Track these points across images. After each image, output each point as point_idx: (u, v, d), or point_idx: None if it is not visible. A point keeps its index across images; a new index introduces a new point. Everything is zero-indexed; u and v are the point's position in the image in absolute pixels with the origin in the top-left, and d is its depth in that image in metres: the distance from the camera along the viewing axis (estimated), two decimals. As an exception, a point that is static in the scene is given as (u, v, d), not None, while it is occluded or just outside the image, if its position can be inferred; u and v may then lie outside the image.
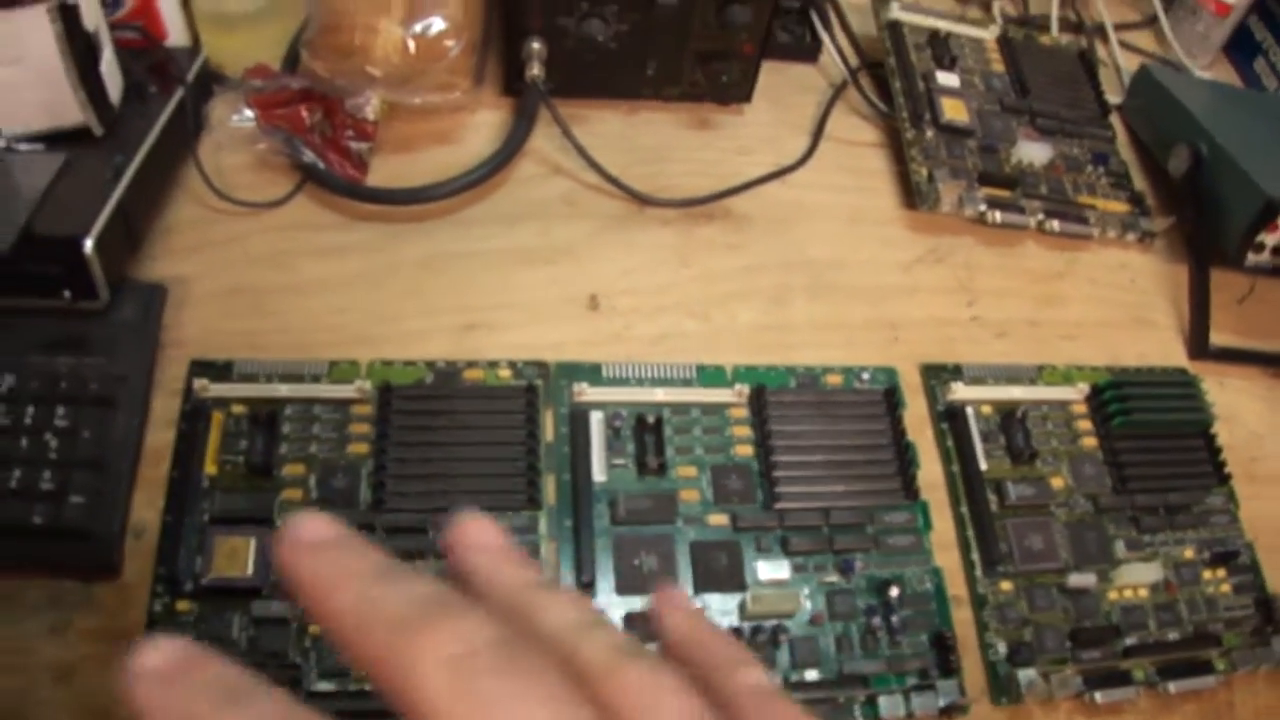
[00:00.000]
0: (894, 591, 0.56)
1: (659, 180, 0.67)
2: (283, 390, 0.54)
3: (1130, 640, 0.59)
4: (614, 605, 0.53)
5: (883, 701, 0.53)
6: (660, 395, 0.59)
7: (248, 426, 0.53)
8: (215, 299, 0.57)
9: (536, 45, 0.64)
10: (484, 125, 0.67)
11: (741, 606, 0.54)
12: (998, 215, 0.69)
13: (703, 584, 0.55)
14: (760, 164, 0.68)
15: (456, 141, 0.67)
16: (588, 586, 0.53)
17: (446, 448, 0.54)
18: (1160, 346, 0.70)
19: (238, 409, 0.54)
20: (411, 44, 0.61)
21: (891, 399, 0.61)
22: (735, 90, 0.69)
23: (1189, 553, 0.62)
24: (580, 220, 0.65)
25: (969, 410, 0.62)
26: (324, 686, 0.48)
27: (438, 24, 0.62)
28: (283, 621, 0.49)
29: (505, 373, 0.58)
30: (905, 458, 0.60)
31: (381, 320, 0.59)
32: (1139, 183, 0.77)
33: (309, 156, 0.62)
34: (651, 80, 0.68)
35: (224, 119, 0.63)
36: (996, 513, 0.60)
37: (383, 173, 0.64)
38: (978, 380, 0.64)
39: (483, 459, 0.55)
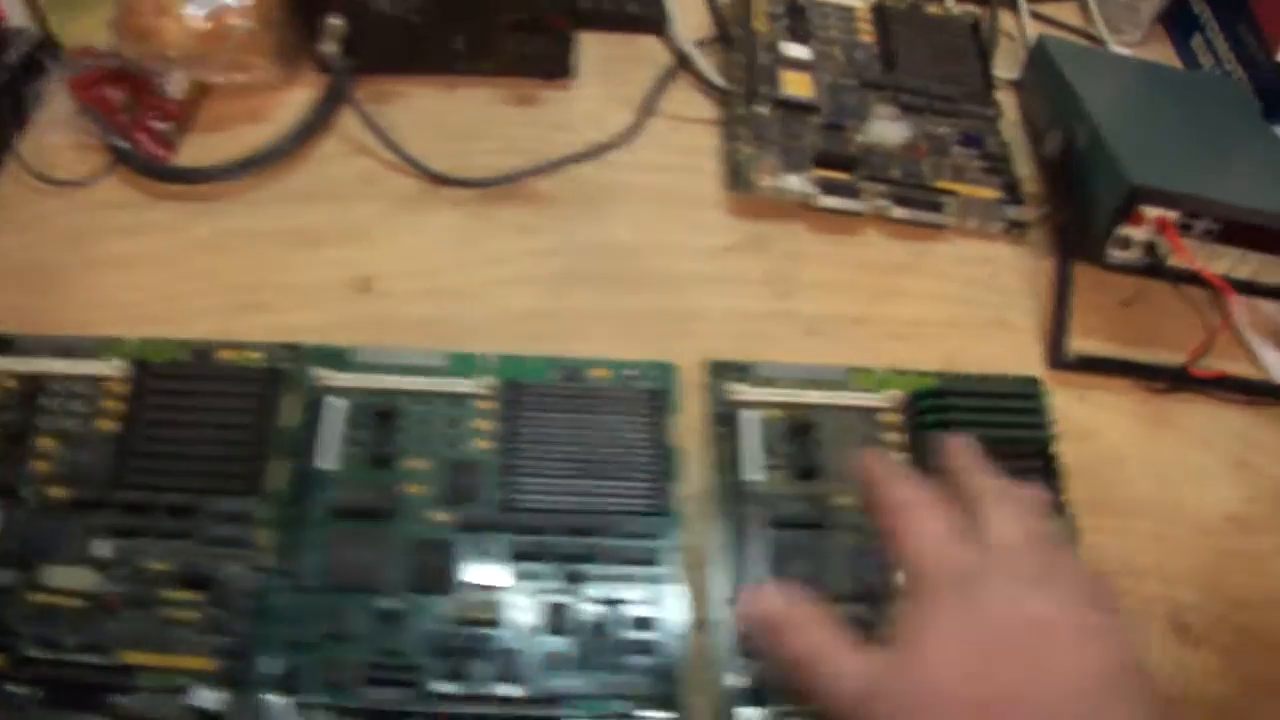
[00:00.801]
0: (621, 610, 0.50)
1: (465, 159, 0.63)
2: (50, 366, 0.54)
3: None
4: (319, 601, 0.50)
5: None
6: (405, 383, 0.55)
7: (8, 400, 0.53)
8: (10, 275, 0.58)
9: (334, 21, 0.62)
10: (298, 104, 0.65)
11: (445, 611, 0.50)
12: (826, 200, 0.62)
13: (414, 583, 0.50)
14: (579, 142, 0.63)
15: (268, 120, 0.64)
16: (292, 576, 0.50)
17: (188, 428, 0.53)
18: (1013, 351, 0.62)
19: (9, 383, 0.54)
20: (202, 24, 0.61)
21: (658, 399, 0.55)
22: (552, 65, 0.64)
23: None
24: (373, 201, 0.62)
25: (744, 415, 0.56)
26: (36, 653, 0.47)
27: (228, 3, 0.61)
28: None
29: (256, 355, 0.56)
30: (663, 465, 0.54)
31: (165, 299, 0.58)
32: (1024, 168, 0.68)
33: (115, 137, 0.62)
34: (463, 55, 0.64)
35: (54, 99, 0.64)
36: (756, 531, 0.53)
37: (195, 152, 0.63)
38: (767, 381, 0.57)
39: (215, 441, 0.52)
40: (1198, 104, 0.69)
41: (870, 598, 0.53)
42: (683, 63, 0.67)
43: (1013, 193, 0.65)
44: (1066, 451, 0.58)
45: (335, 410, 0.54)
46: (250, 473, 0.51)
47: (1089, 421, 0.60)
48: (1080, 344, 0.62)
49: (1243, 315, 0.66)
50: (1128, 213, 0.57)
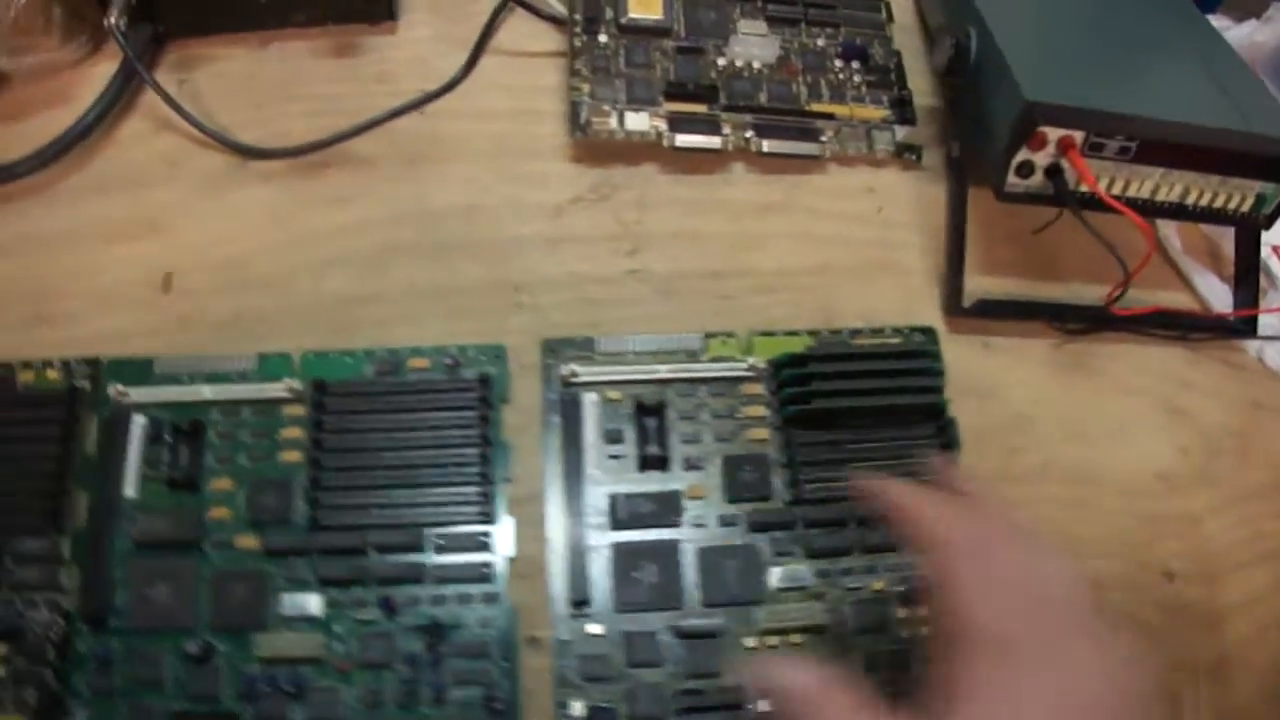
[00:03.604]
0: (436, 640, 0.45)
1: (277, 125, 0.55)
2: None
3: (764, 705, 0.45)
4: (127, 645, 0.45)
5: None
6: (209, 393, 0.49)
7: None
8: None
9: (118, -12, 0.53)
10: (102, 81, 0.56)
11: (257, 647, 0.45)
12: (678, 138, 0.54)
13: (219, 622, 0.45)
14: (403, 94, 0.55)
15: (71, 101, 0.56)
16: (98, 624, 0.45)
17: None
18: (904, 299, 0.54)
19: None
20: None
21: (485, 388, 0.49)
22: (371, 5, 0.56)
23: (878, 585, 0.48)
24: (177, 183, 0.55)
25: (589, 398, 0.49)
26: None
27: None
28: None
29: (55, 374, 0.50)
30: (491, 467, 0.48)
31: None
32: (918, 82, 0.59)
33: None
34: (272, 8, 0.56)
35: None
36: (602, 534, 0.48)
37: None
38: (613, 358, 0.51)
39: (11, 476, 0.47)
40: (1116, -5, 0.59)
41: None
42: (516, -12, 0.58)
43: (902, 111, 0.57)
44: (966, 412, 0.51)
45: (138, 429, 0.48)
46: (51, 509, 0.46)
47: (993, 376, 0.53)
48: (982, 285, 0.54)
49: (1173, 240, 0.57)
50: (1026, 135, 0.49)
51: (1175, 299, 0.57)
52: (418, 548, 0.47)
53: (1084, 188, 0.50)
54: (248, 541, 0.47)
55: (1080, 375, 0.54)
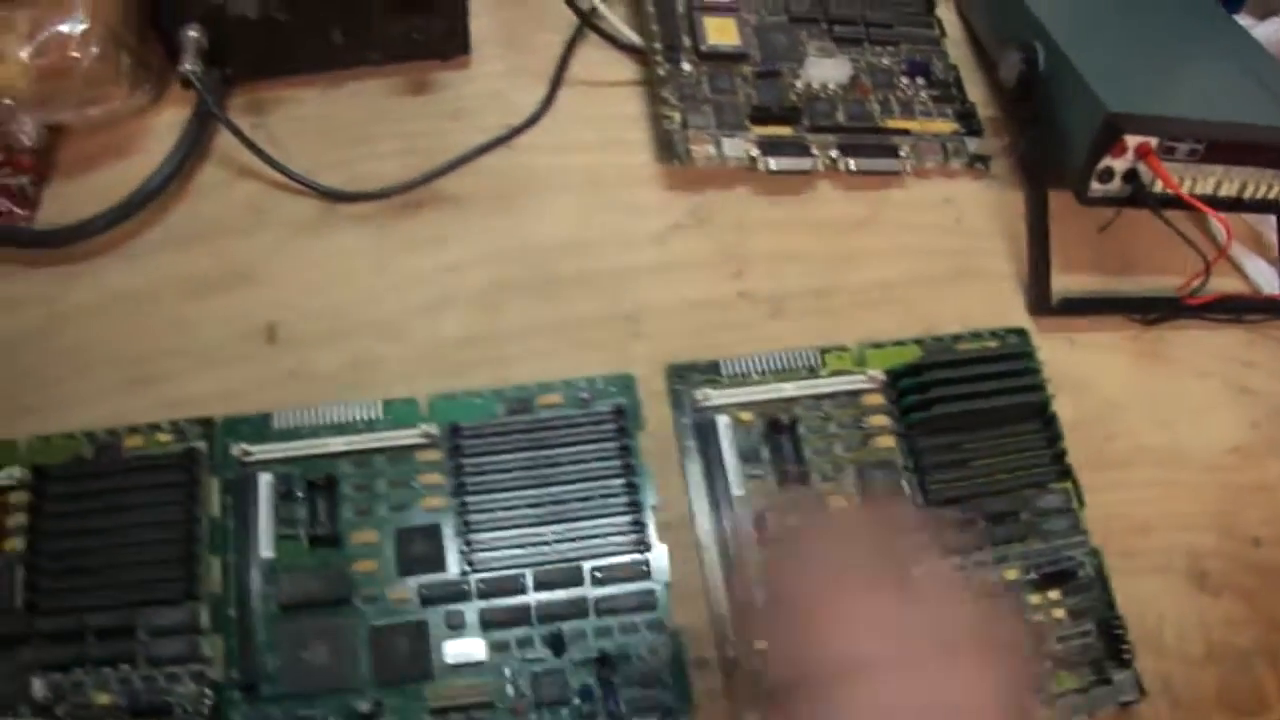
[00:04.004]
0: (607, 671, 0.46)
1: (360, 167, 0.55)
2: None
3: None
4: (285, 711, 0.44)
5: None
6: (338, 444, 0.48)
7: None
8: None
9: (192, 34, 0.52)
10: (167, 130, 0.55)
11: (426, 699, 0.44)
12: (772, 162, 0.55)
13: (383, 677, 0.45)
14: (484, 129, 0.56)
15: (137, 152, 0.55)
16: (250, 690, 0.44)
17: (103, 535, 0.46)
18: (992, 302, 0.56)
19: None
20: (37, 60, 0.51)
21: (621, 418, 0.49)
22: (444, 42, 0.56)
23: (1011, 574, 0.50)
24: (264, 231, 0.54)
25: (722, 421, 0.50)
26: None
27: (59, 34, 0.51)
28: None
29: (166, 436, 0.48)
30: (636, 493, 0.48)
31: (42, 385, 0.50)
32: (975, 93, 0.61)
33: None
34: (343, 47, 0.55)
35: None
36: (748, 549, 0.48)
37: (60, 204, 0.53)
38: (739, 380, 0.51)
39: (137, 544, 0.45)
40: (1152, 2, 0.63)
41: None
42: (588, 20, 0.58)
43: (969, 123, 0.60)
44: (1062, 406, 0.53)
45: (266, 488, 0.47)
46: (184, 575, 0.45)
47: (1081, 369, 0.56)
48: (1062, 284, 0.57)
49: (1222, 233, 0.61)
50: (1110, 144, 0.52)
51: (1227, 285, 0.61)
52: (577, 581, 0.47)
53: (1160, 188, 0.53)
54: (400, 593, 0.46)
55: (1157, 363, 0.57)
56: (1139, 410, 0.56)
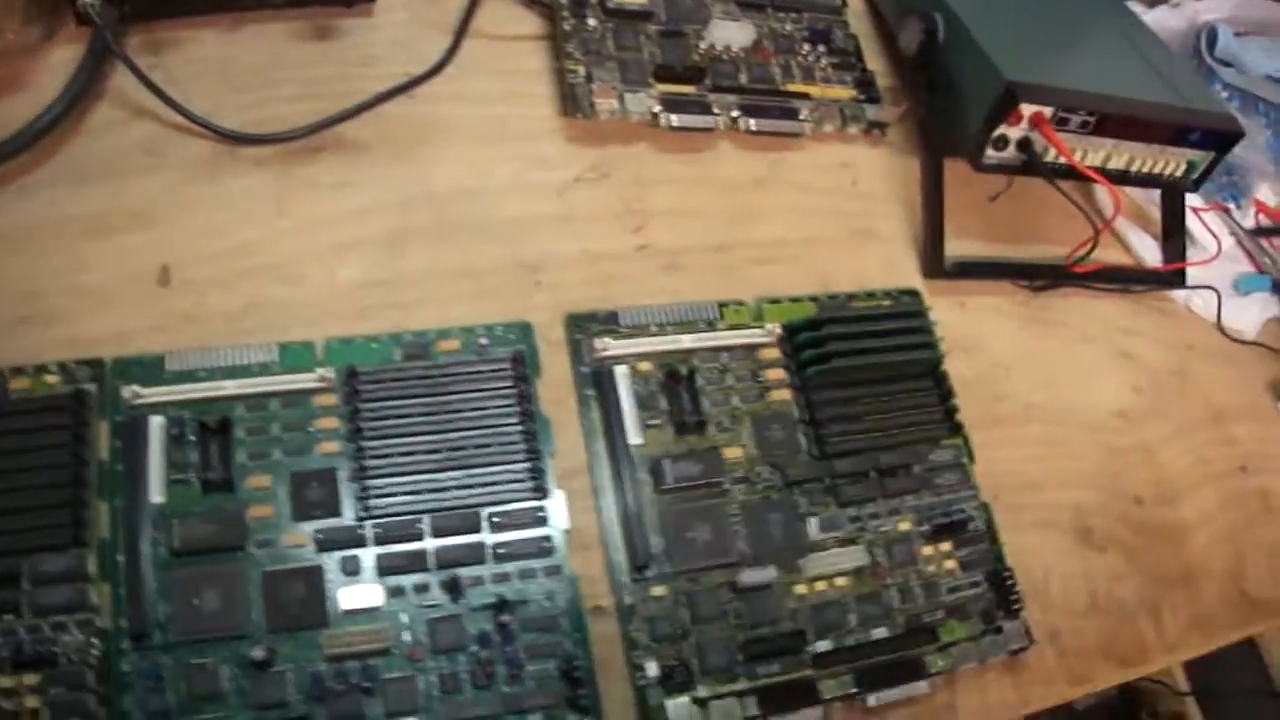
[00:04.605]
0: (505, 617, 0.45)
1: (261, 111, 0.53)
2: None
3: (822, 645, 0.48)
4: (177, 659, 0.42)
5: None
6: (231, 388, 0.47)
7: None
8: None
9: (89, -33, 0.50)
10: (62, 66, 0.52)
11: (320, 646, 0.43)
12: (674, 118, 0.55)
13: (276, 623, 0.43)
14: (388, 77, 0.55)
15: (31, 88, 0.52)
16: (141, 639, 0.42)
17: None
18: (886, 264, 0.58)
19: None
20: None
21: (519, 365, 0.49)
22: (349, -14, 0.55)
23: (905, 525, 0.51)
24: (161, 172, 0.52)
25: (620, 371, 0.50)
26: None
27: None
28: None
29: (53, 378, 0.46)
30: (534, 440, 0.47)
31: None
32: (874, 63, 0.63)
33: None
34: (246, -13, 0.53)
35: None
36: (652, 499, 0.48)
37: None
38: (638, 331, 0.51)
39: (24, 489, 0.43)
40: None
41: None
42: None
43: (867, 90, 0.61)
44: (954, 365, 0.54)
45: (158, 431, 0.46)
46: (71, 521, 0.43)
47: (973, 331, 0.58)
48: (956, 249, 0.59)
49: (1109, 207, 0.64)
50: (1006, 112, 0.53)
51: (1112, 256, 0.63)
52: (475, 527, 0.47)
53: (1054, 158, 0.55)
54: (295, 538, 0.45)
55: (1045, 328, 0.59)
56: (1027, 372, 0.58)
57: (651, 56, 0.57)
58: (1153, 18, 0.69)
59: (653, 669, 0.46)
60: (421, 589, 0.45)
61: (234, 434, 0.46)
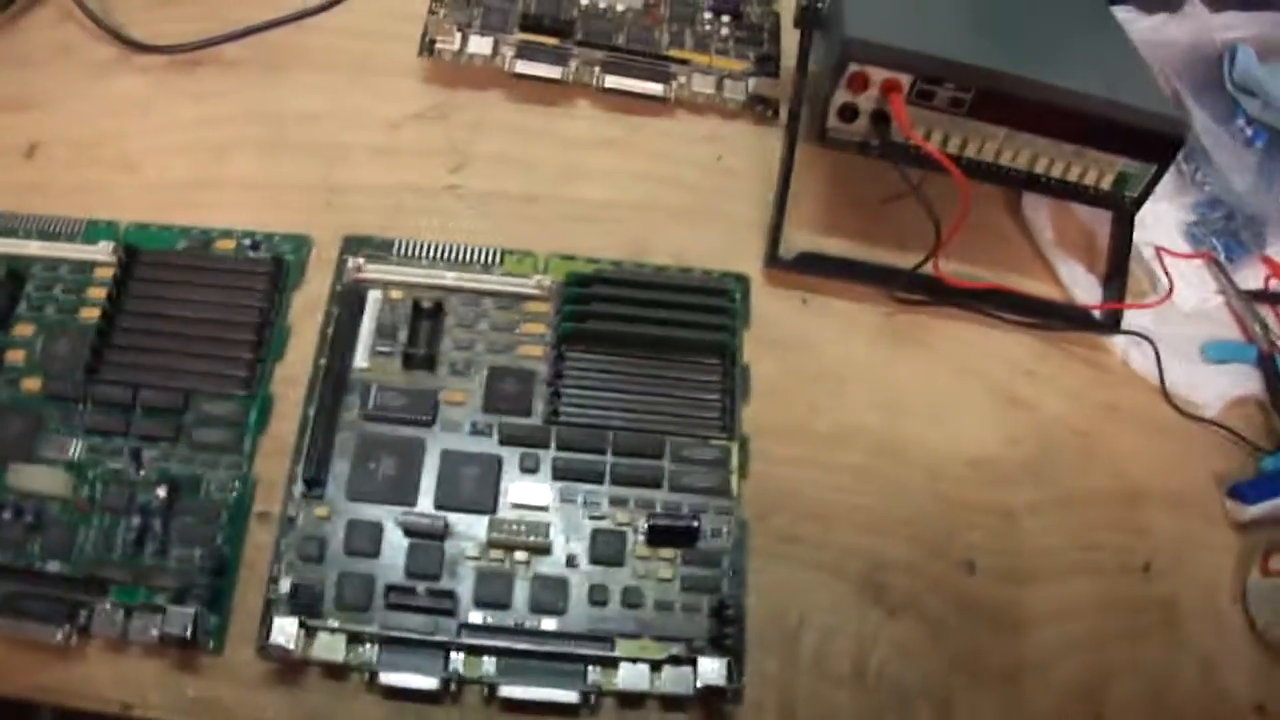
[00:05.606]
0: (161, 492, 0.45)
1: (168, 26, 0.58)
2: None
3: (475, 616, 0.45)
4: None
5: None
6: (34, 248, 0.52)
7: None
8: None
9: None
10: None
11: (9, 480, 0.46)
12: (519, 64, 0.54)
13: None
14: (282, 7, 0.58)
15: None
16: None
17: None
18: (727, 246, 0.52)
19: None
20: None
21: (277, 271, 0.49)
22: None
23: (623, 516, 0.46)
24: (66, 69, 0.58)
25: (373, 295, 0.49)
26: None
27: None
28: None
29: None
30: (265, 344, 0.48)
31: None
32: (791, 44, 0.57)
33: None
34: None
35: None
36: (354, 423, 0.46)
37: None
38: (406, 260, 0.50)
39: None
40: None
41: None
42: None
43: (764, 66, 0.55)
44: (766, 361, 0.48)
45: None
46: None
47: (804, 331, 0.51)
48: (820, 245, 0.51)
49: (1045, 229, 0.53)
50: (842, 71, 0.46)
51: (1043, 289, 0.53)
52: (179, 410, 0.47)
53: (904, 137, 0.47)
54: (32, 384, 0.48)
55: (907, 347, 0.51)
56: (865, 390, 0.50)
57: (525, 6, 0.56)
58: (1149, 25, 0.57)
59: (285, 585, 0.44)
60: (115, 452, 0.47)
61: (25, 288, 0.50)
